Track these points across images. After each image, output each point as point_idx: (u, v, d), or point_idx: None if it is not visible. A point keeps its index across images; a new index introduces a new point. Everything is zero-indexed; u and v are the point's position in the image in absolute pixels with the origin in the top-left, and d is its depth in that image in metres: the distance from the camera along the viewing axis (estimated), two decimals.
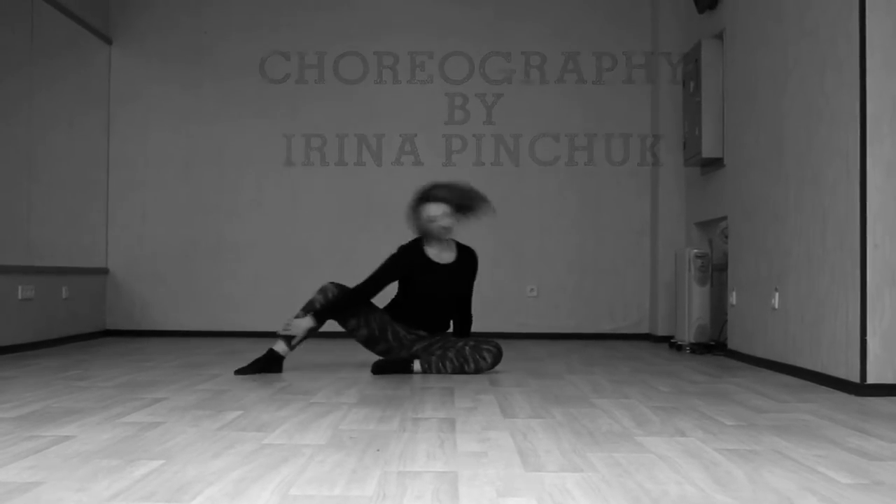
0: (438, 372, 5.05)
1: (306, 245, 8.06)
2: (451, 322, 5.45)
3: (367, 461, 2.66)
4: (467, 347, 5.09)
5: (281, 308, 7.99)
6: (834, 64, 4.57)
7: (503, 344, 7.24)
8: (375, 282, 5.24)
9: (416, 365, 5.09)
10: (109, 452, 2.76)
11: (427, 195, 5.19)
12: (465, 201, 5.22)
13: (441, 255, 5.27)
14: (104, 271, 7.98)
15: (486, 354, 5.09)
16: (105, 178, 8.06)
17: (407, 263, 5.23)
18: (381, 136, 8.08)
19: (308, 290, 7.95)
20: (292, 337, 5.14)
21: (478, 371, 5.06)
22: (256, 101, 8.12)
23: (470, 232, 8.07)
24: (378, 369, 5.06)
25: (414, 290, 5.26)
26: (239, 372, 4.99)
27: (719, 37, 6.61)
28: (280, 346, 5.14)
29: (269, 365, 5.08)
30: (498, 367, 5.31)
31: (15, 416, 3.46)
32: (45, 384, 4.47)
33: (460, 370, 5.05)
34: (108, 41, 8.07)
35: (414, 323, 5.27)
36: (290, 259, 8.06)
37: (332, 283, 5.28)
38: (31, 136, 6.73)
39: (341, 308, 5.21)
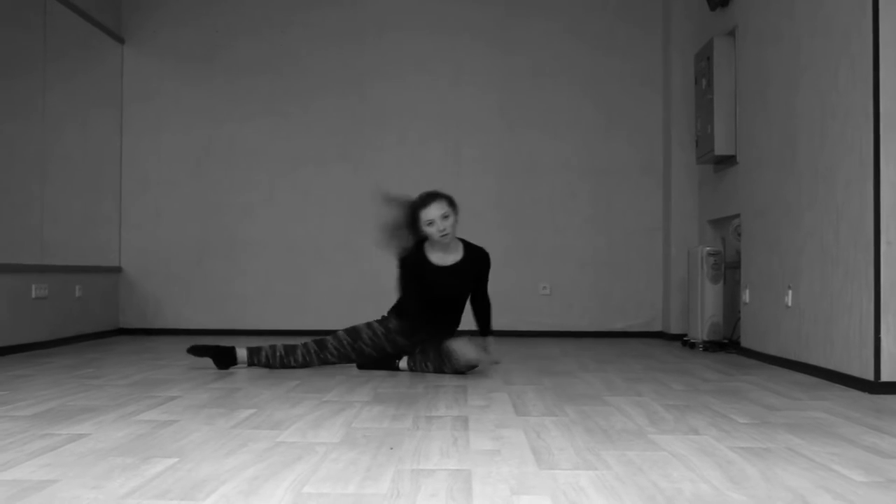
0: (422, 371, 5.06)
1: (318, 243, 8.07)
2: (462, 319, 5.33)
3: (381, 459, 2.66)
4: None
5: (293, 306, 8.05)
6: (847, 60, 4.56)
7: (517, 342, 7.26)
8: (412, 296, 5.14)
9: (403, 362, 5.11)
10: (124, 450, 2.76)
11: (420, 202, 5.09)
12: (444, 193, 5.16)
13: (445, 257, 5.16)
14: (117, 270, 8.01)
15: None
16: (118, 177, 8.09)
17: (413, 271, 5.13)
18: (392, 133, 8.09)
19: (320, 288, 8.01)
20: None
21: (455, 372, 4.99)
22: (269, 98, 8.14)
23: (483, 229, 8.07)
24: (363, 365, 5.14)
25: (425, 298, 5.14)
26: (192, 350, 5.15)
27: (731, 34, 6.59)
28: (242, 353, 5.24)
29: (220, 356, 5.18)
30: (510, 366, 5.30)
31: (30, 414, 3.48)
32: (60, 382, 4.49)
33: (439, 370, 5.02)
34: (121, 40, 8.09)
35: (418, 328, 5.13)
36: (303, 257, 8.07)
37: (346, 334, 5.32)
38: (45, 136, 6.75)
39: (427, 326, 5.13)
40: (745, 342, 6.19)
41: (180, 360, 5.61)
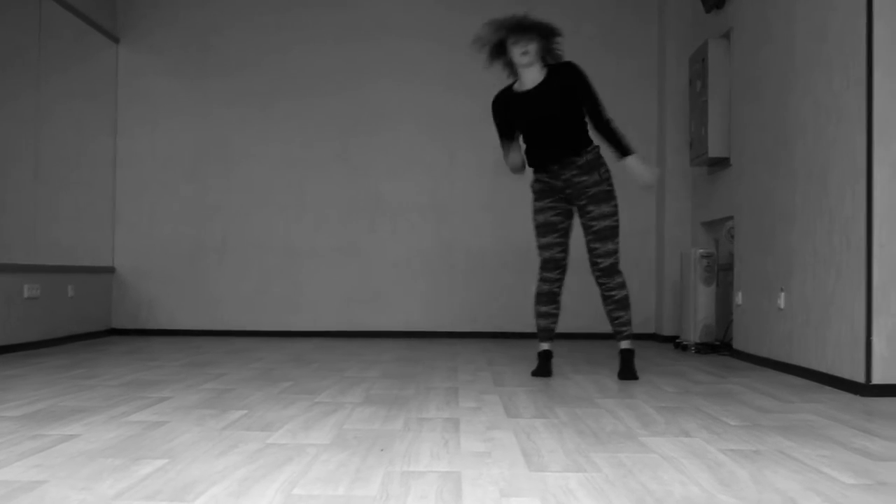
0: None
1: (313, 244, 8.07)
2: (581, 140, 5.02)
3: (372, 461, 2.66)
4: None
5: (287, 308, 8.04)
6: (841, 63, 4.56)
7: (509, 343, 7.26)
8: (502, 136, 5.12)
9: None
10: (114, 451, 2.76)
11: (505, 36, 4.98)
12: (525, 22, 4.99)
13: (524, 84, 5.01)
14: (110, 270, 7.99)
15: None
16: (112, 177, 8.08)
17: (499, 110, 5.08)
18: (387, 135, 8.09)
19: (314, 290, 8.00)
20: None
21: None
22: (263, 99, 8.13)
23: (476, 231, 8.09)
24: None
25: (524, 134, 5.06)
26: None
27: (726, 36, 6.60)
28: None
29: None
30: (502, 368, 5.31)
31: (20, 414, 3.47)
32: (51, 383, 4.48)
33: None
34: (116, 40, 8.08)
35: (535, 163, 5.04)
36: (297, 258, 8.07)
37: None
38: (38, 135, 6.74)
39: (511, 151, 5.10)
40: (738, 344, 6.20)
41: (172, 361, 5.60)
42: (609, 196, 4.92)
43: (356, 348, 6.67)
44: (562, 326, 7.96)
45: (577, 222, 5.50)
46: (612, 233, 4.92)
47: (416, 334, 8.01)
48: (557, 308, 5.14)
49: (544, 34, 5.00)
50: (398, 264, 8.08)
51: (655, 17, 8.06)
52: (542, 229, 5.05)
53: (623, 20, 8.10)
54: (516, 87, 5.04)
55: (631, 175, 4.93)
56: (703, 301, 6.57)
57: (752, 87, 6.01)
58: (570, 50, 8.03)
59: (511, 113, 5.02)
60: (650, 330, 7.94)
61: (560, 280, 5.09)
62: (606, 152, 4.99)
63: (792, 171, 5.21)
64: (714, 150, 6.51)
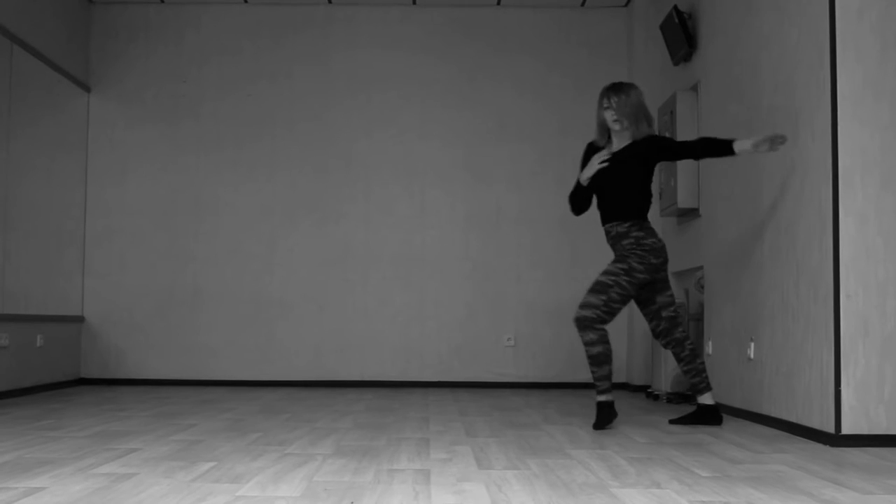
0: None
1: (283, 294, 8.05)
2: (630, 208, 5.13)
3: None
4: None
5: (258, 357, 8.00)
6: (806, 116, 4.63)
7: (481, 393, 7.25)
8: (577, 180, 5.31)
9: None
10: None
11: (600, 98, 5.22)
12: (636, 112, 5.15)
13: (617, 144, 5.22)
14: (80, 319, 7.94)
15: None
16: (82, 226, 8.05)
17: (585, 159, 5.30)
18: (359, 185, 8.12)
19: (285, 340, 7.97)
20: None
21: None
22: (234, 149, 8.14)
23: (448, 280, 8.11)
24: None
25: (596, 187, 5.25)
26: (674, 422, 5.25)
27: (694, 89, 6.69)
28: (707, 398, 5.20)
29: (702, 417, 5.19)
30: (474, 418, 5.30)
31: None
32: (18, 434, 4.43)
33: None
34: (87, 89, 8.09)
35: (604, 215, 5.18)
36: (268, 308, 8.04)
37: None
38: (8, 183, 6.71)
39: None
40: None
41: (142, 412, 5.56)
42: (622, 259, 5.05)
43: (327, 398, 6.63)
44: (534, 376, 7.99)
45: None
46: (600, 288, 5.01)
47: (388, 384, 7.99)
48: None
49: (629, 106, 5.19)
50: (369, 314, 8.07)
51: (625, 67, 8.16)
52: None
53: (594, 70, 8.20)
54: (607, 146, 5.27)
55: (758, 153, 5.08)
56: None
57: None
58: (540, 98, 8.17)
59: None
60: (622, 379, 7.95)
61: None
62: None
63: (759, 222, 5.27)
64: (683, 201, 6.58)
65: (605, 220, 5.16)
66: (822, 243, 4.43)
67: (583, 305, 5.00)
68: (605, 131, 5.24)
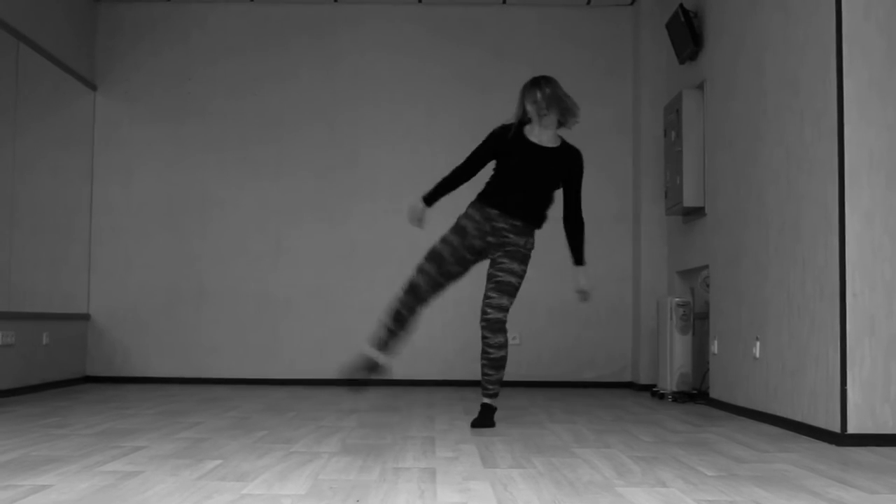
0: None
1: (289, 292, 8.05)
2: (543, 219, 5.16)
3: None
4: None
5: (263, 356, 8.01)
6: (812, 114, 4.63)
7: None
8: (469, 163, 5.19)
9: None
10: (88, 502, 2.73)
11: (530, 83, 5.05)
12: (565, 101, 5.00)
13: (542, 138, 5.01)
14: (85, 317, 7.95)
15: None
16: (88, 224, 8.05)
17: (501, 142, 5.03)
18: (365, 185, 8.11)
19: (290, 338, 7.97)
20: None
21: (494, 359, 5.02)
22: (241, 147, 8.15)
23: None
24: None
25: (509, 170, 5.03)
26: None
27: (700, 87, 6.68)
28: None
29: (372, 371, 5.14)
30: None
31: None
32: (24, 431, 4.43)
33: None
34: (93, 87, 8.10)
35: (507, 208, 4.99)
36: (273, 307, 8.04)
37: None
38: (14, 181, 6.72)
39: (444, 190, 5.28)
40: (714, 393, 6.21)
41: (147, 409, 5.56)
42: (524, 259, 5.03)
43: (333, 397, 6.64)
44: (539, 375, 7.98)
45: (469, 279, 5.45)
46: (511, 291, 4.97)
47: (393, 382, 7.98)
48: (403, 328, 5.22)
49: (572, 115, 5.08)
50: (375, 313, 8.04)
51: (630, 67, 8.15)
52: (436, 261, 5.12)
53: (598, 70, 8.19)
54: (527, 131, 5.04)
55: (574, 279, 5.21)
56: (679, 350, 6.60)
57: (725, 138, 6.08)
58: None
59: (511, 149, 5.01)
60: (627, 379, 7.95)
61: (414, 313, 5.21)
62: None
63: (765, 220, 5.26)
64: (689, 200, 6.57)
65: (511, 213, 4.97)
66: (828, 242, 4.43)
67: (495, 307, 4.92)
68: (525, 119, 5.04)
